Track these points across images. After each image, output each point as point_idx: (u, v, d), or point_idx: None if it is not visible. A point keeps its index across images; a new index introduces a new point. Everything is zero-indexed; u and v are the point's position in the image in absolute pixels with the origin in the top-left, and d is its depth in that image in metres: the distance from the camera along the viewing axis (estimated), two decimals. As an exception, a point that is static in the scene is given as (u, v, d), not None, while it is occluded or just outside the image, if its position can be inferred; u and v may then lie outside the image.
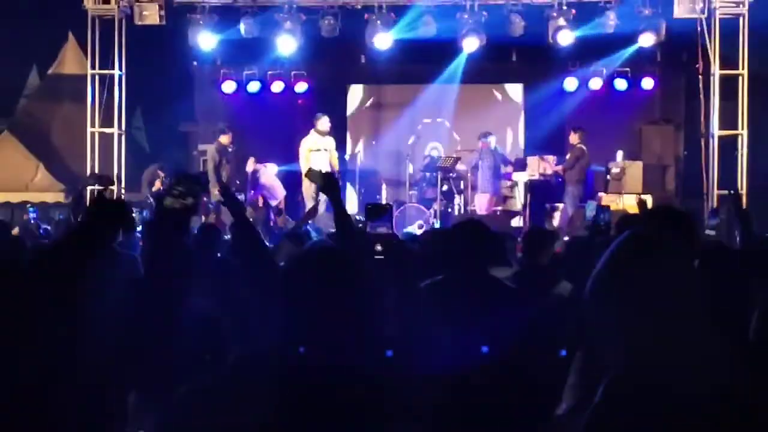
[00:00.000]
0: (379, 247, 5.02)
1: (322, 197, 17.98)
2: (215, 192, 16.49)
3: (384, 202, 12.67)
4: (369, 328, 3.72)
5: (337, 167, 18.69)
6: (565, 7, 18.00)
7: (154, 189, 18.60)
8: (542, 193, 18.69)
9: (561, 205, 18.09)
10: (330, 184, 5.16)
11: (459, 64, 19.91)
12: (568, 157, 18.36)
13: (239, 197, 16.92)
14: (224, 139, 18.50)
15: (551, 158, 18.95)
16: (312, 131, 18.16)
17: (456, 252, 6.02)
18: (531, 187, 18.75)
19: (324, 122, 18.25)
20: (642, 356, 2.65)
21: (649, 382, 2.59)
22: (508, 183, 19.41)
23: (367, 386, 3.43)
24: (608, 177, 19.12)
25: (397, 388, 3.77)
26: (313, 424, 3.34)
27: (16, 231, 12.72)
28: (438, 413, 4.98)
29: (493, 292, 5.75)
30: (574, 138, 18.32)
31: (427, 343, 5.23)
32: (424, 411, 4.57)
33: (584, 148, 18.08)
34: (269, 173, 18.92)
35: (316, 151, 18.04)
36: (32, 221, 15.21)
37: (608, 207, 10.90)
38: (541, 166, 19.00)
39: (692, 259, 3.46)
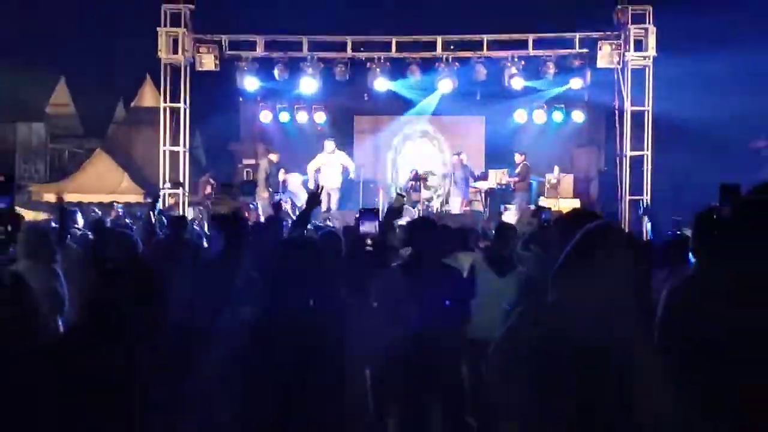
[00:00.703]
0: (369, 241, 4.73)
1: (333, 196, 18.66)
2: (264, 195, 17.49)
3: (374, 207, 12.71)
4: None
5: (352, 166, 19.36)
6: (516, 60, 18.52)
7: (206, 192, 18.88)
8: (498, 197, 19.08)
9: (512, 206, 18.29)
10: (313, 198, 5.31)
11: (434, 100, 20.34)
12: (517, 171, 18.76)
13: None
14: (274, 157, 19.29)
15: (505, 171, 19.36)
16: (318, 155, 19.03)
17: (413, 239, 6.11)
18: (490, 193, 19.19)
19: (328, 145, 18.99)
20: (574, 302, 2.89)
21: (574, 317, 2.84)
22: (474, 190, 19.53)
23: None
24: (547, 186, 19.54)
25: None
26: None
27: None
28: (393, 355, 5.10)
29: (440, 269, 5.93)
30: (519, 158, 18.84)
31: (396, 299, 5.18)
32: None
33: (528, 165, 18.69)
34: (295, 181, 19.52)
35: (323, 165, 18.84)
36: (121, 215, 14.91)
37: (550, 209, 12.33)
38: (497, 178, 19.41)
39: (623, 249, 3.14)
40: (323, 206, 18.30)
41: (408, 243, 6.12)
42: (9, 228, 2.60)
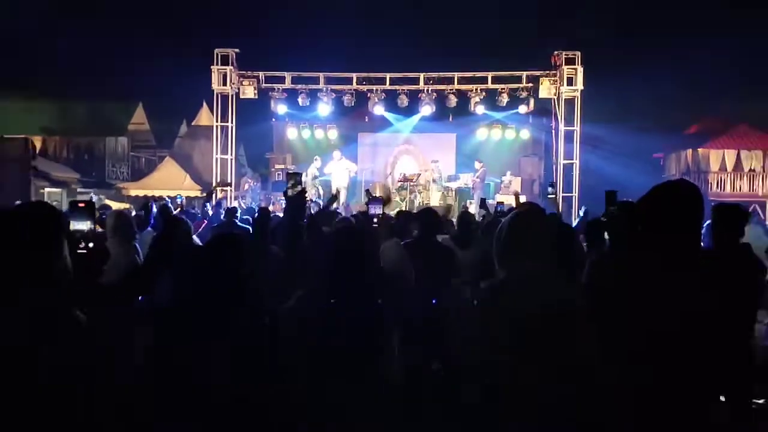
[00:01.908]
0: (375, 220, 4.60)
1: (342, 192, 17.77)
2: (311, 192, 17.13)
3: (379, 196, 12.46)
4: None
5: (354, 168, 19.22)
6: (479, 91, 18.48)
7: (245, 188, 19.03)
8: (463, 194, 18.94)
9: (472, 202, 17.88)
10: (297, 199, 4.37)
11: (416, 120, 20.34)
12: (477, 175, 18.49)
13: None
14: (318, 163, 19.02)
15: (470, 174, 19.09)
16: (330, 162, 18.84)
17: (419, 224, 6.08)
18: (459, 191, 19.03)
19: (336, 155, 18.80)
20: (516, 275, 2.80)
21: (522, 287, 2.75)
22: (447, 188, 19.08)
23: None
24: (502, 185, 19.43)
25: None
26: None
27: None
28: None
29: (436, 246, 5.98)
30: (479, 165, 18.65)
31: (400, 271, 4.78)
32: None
33: (485, 169, 18.63)
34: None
35: (334, 170, 18.59)
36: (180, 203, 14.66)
37: (503, 203, 12.23)
38: (465, 179, 19.22)
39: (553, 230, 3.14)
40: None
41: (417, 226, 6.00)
42: (90, 245, 2.54)
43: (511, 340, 2.69)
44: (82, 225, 2.54)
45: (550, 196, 9.98)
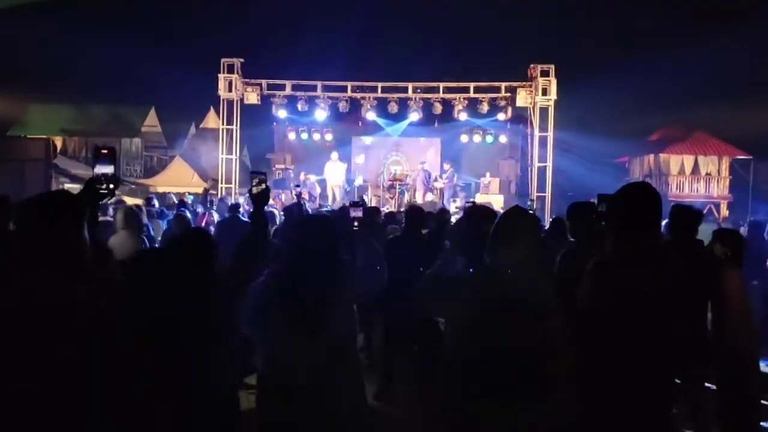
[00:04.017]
0: (356, 223, 4.23)
1: (337, 191, 18.33)
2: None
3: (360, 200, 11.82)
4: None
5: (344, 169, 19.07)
6: (462, 100, 18.35)
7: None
8: (443, 192, 18.42)
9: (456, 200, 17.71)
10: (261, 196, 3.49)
11: (404, 125, 20.30)
12: (445, 176, 18.55)
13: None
14: (335, 156, 19.00)
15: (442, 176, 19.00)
16: (327, 162, 18.76)
17: (406, 219, 6.30)
18: (442, 191, 18.56)
19: (333, 156, 18.82)
20: (503, 260, 2.86)
21: (505, 276, 2.81)
22: (432, 187, 18.49)
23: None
24: (481, 186, 19.31)
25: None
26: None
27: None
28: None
29: (420, 240, 6.06)
30: (447, 167, 18.70)
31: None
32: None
33: (453, 170, 18.73)
34: (312, 180, 18.73)
35: (330, 170, 18.62)
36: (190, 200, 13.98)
37: (475, 201, 12.12)
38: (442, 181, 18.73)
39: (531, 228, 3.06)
40: (329, 198, 18.46)
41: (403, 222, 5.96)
42: (111, 186, 2.62)
43: (484, 320, 2.74)
44: (105, 169, 2.63)
45: (530, 210, 10.27)
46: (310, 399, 2.99)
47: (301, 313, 3.02)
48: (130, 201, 14.53)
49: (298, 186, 14.88)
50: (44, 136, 25.72)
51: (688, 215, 4.68)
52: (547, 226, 7.45)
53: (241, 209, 9.32)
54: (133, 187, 25.24)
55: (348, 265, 3.40)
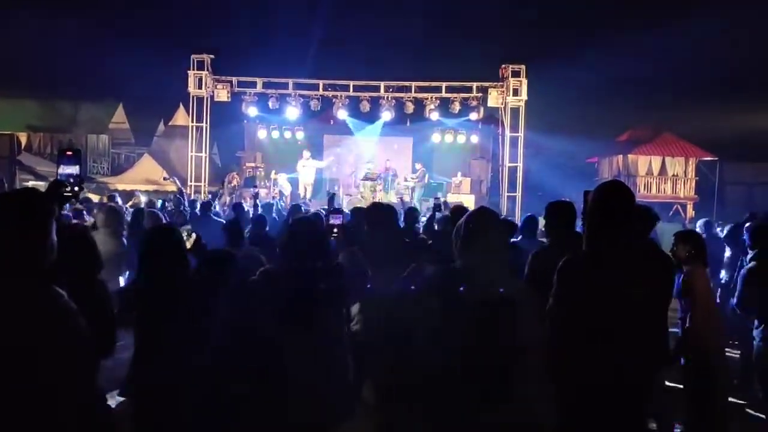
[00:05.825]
0: (335, 230, 4.29)
1: (308, 188, 18.39)
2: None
3: (339, 208, 11.69)
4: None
5: (322, 164, 19.62)
6: (434, 99, 18.33)
7: (232, 184, 17.93)
8: (414, 191, 18.73)
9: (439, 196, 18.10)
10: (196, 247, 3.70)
11: (378, 125, 20.10)
12: (416, 175, 19.00)
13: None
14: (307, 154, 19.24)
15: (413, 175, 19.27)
16: (299, 161, 18.87)
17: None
18: (412, 189, 18.83)
19: (305, 154, 19.02)
20: (473, 262, 2.89)
21: (476, 275, 2.84)
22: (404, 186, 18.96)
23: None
24: (452, 185, 19.44)
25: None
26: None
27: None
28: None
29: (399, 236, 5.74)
30: (419, 167, 19.18)
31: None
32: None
33: (424, 170, 19.14)
34: (282, 178, 18.99)
35: (302, 168, 18.72)
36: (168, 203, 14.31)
37: (447, 201, 12.18)
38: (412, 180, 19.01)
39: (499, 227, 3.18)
40: (301, 195, 18.39)
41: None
42: (76, 189, 2.60)
43: (459, 318, 2.77)
44: (69, 169, 2.60)
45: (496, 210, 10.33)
46: (302, 394, 3.05)
47: (293, 311, 3.08)
48: (95, 199, 14.41)
49: (255, 186, 14.66)
50: (8, 132, 25.20)
51: (645, 216, 4.52)
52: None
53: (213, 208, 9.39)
54: (100, 185, 24.79)
55: (340, 267, 3.49)
